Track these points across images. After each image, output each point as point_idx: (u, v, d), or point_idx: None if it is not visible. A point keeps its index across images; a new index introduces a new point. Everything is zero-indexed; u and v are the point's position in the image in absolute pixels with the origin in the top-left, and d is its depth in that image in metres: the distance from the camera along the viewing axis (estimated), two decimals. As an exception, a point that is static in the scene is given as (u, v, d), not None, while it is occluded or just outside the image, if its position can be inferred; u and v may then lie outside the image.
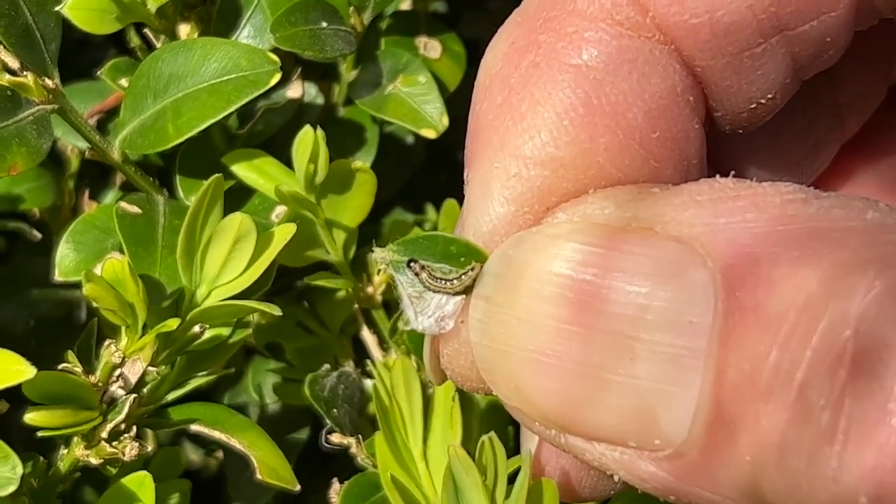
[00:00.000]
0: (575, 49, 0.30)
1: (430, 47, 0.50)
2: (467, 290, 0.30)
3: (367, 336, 0.44)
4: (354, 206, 0.39)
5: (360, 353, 0.48)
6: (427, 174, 0.55)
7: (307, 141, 0.37)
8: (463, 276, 0.30)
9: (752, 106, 0.32)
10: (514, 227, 0.30)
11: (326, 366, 0.41)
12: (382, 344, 0.48)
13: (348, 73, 0.49)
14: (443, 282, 0.30)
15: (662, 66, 0.30)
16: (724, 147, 0.35)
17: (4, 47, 0.41)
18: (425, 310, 0.30)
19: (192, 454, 0.58)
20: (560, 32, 0.31)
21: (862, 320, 0.24)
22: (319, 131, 0.37)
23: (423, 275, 0.30)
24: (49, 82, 0.42)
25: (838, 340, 0.24)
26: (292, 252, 0.38)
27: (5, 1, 0.41)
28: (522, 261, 0.29)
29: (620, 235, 0.28)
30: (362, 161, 0.48)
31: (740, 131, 0.33)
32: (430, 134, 0.46)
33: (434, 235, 0.30)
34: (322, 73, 0.51)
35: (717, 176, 0.28)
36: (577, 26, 0.30)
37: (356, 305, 0.42)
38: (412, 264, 0.30)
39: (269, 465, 0.41)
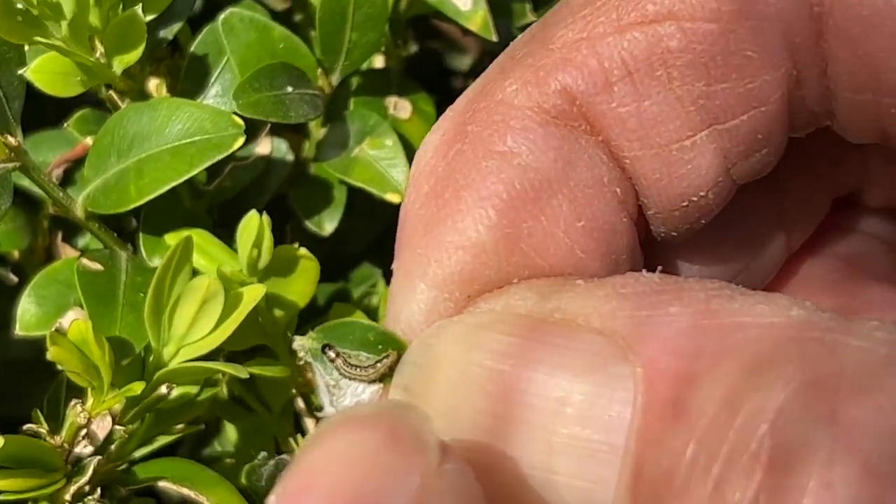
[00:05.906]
0: (500, 136, 0.30)
1: (400, 107, 0.50)
2: (383, 379, 0.30)
3: (308, 421, 0.43)
4: (297, 291, 0.39)
5: (303, 432, 0.47)
6: (396, 230, 0.55)
7: (252, 226, 0.37)
8: (378, 364, 0.29)
9: (684, 203, 0.31)
10: (435, 315, 0.30)
11: (263, 453, 0.41)
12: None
13: (317, 130, 0.49)
14: (358, 370, 0.30)
15: (589, 155, 0.30)
16: (664, 254, 0.35)
17: (-34, 106, 0.41)
18: (341, 398, 0.30)
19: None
20: (487, 121, 0.30)
21: (779, 415, 0.23)
22: (265, 216, 0.37)
23: (338, 361, 0.30)
24: (11, 140, 0.42)
25: (754, 435, 0.23)
26: (232, 336, 0.38)
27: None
28: (443, 350, 0.28)
29: (542, 327, 0.27)
30: (329, 220, 0.48)
31: (675, 234, 0.32)
32: (395, 199, 0.46)
33: (351, 322, 0.30)
34: (292, 127, 0.51)
35: (644, 271, 0.28)
36: (504, 114, 0.30)
37: (294, 390, 0.42)
38: (327, 351, 0.30)
39: (239, 521, 0.41)
